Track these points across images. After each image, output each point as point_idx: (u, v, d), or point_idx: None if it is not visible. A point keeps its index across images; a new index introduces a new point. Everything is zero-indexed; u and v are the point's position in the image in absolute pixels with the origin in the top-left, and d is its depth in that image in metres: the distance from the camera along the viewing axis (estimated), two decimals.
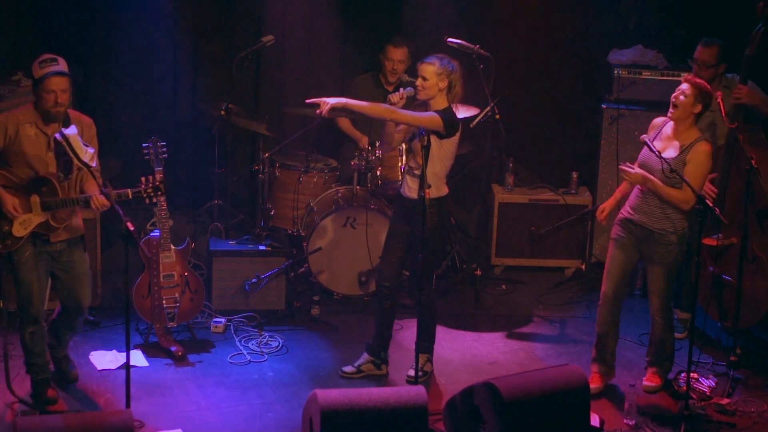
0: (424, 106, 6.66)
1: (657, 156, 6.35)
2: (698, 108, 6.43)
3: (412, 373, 6.75)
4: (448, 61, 6.58)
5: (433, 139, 6.52)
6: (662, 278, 6.61)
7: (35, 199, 6.10)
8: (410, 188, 6.70)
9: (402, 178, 6.87)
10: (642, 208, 6.55)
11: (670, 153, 6.46)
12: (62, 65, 6.07)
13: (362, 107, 6.53)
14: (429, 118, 6.53)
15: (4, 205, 6.03)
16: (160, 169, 6.92)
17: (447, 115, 6.56)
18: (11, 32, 8.38)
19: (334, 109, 6.48)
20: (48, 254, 6.23)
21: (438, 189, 6.65)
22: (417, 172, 6.58)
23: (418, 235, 6.53)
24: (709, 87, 6.50)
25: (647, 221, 6.54)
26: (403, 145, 7.38)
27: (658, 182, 6.41)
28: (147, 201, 6.31)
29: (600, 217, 6.80)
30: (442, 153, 6.61)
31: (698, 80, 6.52)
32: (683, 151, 6.44)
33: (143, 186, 6.22)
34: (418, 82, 6.58)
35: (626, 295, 7.21)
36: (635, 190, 6.62)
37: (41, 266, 6.22)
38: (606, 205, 6.84)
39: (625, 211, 6.65)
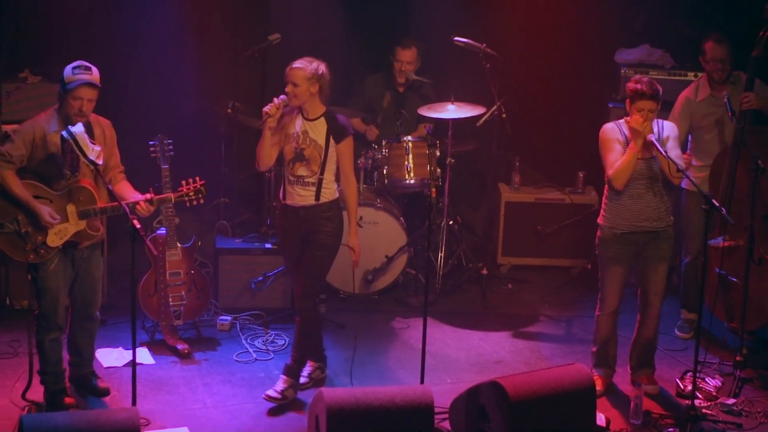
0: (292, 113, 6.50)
1: (664, 155, 6.33)
2: None
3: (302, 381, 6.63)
4: (317, 64, 6.40)
5: (331, 143, 6.41)
6: (665, 275, 6.62)
7: (71, 208, 6.08)
8: (302, 196, 6.44)
9: (285, 190, 6.52)
10: (646, 214, 6.49)
11: None
12: (95, 76, 6.05)
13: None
14: (350, 150, 6.48)
15: (40, 216, 5.98)
16: (167, 167, 6.92)
17: (344, 126, 6.46)
18: (17, 30, 8.38)
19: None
20: (72, 259, 6.21)
21: (333, 191, 6.52)
22: (309, 180, 6.40)
23: (321, 241, 6.40)
24: None
25: (655, 224, 6.51)
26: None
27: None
28: (188, 204, 6.34)
29: None
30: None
31: None
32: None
33: (185, 189, 6.23)
34: (289, 88, 6.35)
35: None
36: (625, 203, 6.52)
37: (66, 273, 6.20)
38: None
39: (623, 227, 6.51)
